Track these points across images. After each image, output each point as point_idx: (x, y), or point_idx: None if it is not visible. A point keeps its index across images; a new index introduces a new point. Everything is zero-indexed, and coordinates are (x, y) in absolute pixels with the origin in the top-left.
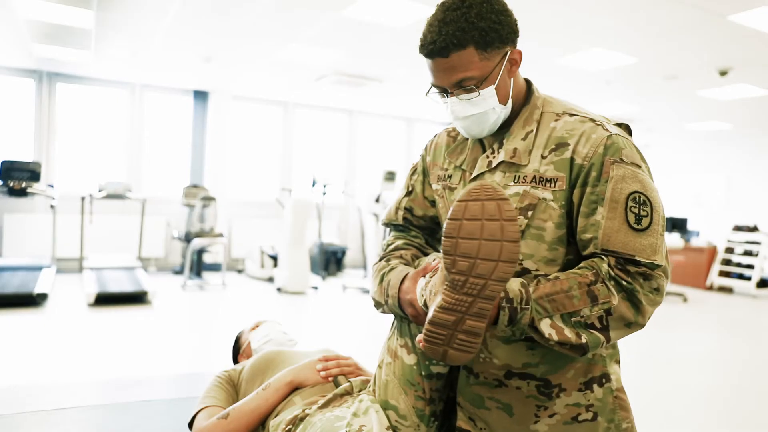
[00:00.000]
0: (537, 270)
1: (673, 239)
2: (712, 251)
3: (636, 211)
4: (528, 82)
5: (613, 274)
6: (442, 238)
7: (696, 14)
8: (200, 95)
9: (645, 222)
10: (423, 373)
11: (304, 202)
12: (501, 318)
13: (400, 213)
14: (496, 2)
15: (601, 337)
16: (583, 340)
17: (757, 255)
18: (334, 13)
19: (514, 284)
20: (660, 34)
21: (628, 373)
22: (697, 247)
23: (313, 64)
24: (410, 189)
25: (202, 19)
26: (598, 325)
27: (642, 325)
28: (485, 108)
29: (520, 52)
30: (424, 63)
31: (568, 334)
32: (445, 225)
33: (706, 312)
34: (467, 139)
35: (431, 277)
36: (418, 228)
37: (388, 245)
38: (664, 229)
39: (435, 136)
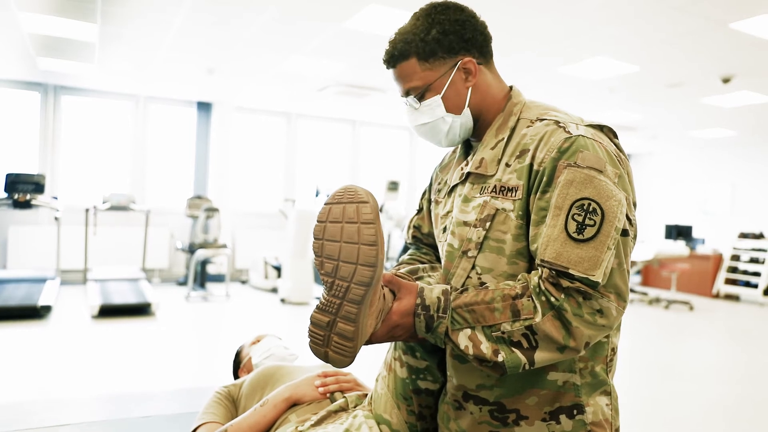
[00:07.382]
0: None
1: (678, 247)
2: (718, 259)
3: (580, 219)
4: (510, 89)
5: (543, 288)
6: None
7: (698, 22)
8: (203, 107)
9: (589, 232)
10: (411, 388)
11: (307, 212)
12: (417, 325)
13: (410, 231)
14: (457, 12)
15: (523, 359)
16: (500, 359)
17: (763, 262)
18: (336, 24)
19: (436, 291)
20: (662, 42)
21: (631, 382)
22: (703, 255)
23: (315, 76)
24: (420, 207)
25: (205, 32)
26: (525, 344)
27: (577, 351)
28: (433, 117)
29: (473, 62)
30: None
31: (485, 349)
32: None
33: (712, 320)
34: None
35: None
36: (428, 246)
37: (398, 263)
38: (615, 243)
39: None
